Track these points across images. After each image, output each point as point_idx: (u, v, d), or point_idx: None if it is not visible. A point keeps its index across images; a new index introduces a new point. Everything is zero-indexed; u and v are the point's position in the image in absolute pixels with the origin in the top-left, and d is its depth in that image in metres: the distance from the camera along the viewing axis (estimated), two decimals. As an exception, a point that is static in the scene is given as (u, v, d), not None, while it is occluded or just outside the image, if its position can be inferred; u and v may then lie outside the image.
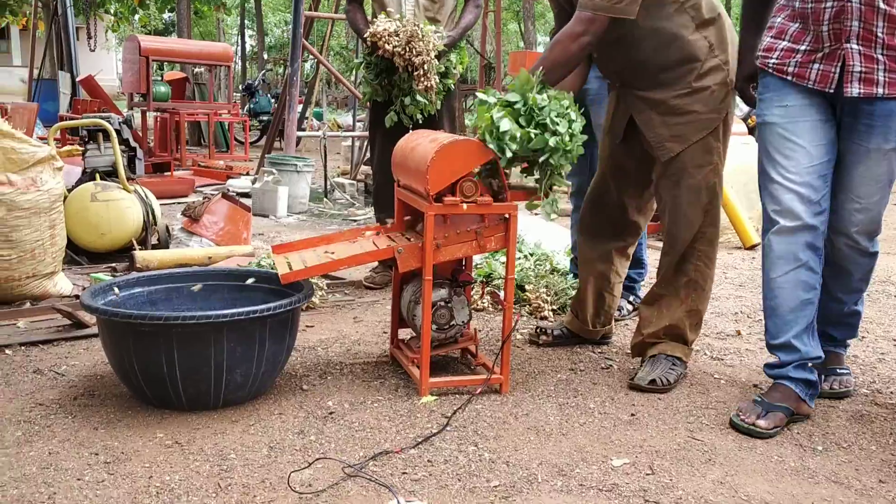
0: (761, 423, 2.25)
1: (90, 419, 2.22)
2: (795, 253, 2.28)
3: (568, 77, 2.52)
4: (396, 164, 2.71)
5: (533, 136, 2.27)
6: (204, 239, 4.46)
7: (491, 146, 2.31)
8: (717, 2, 2.56)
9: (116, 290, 2.53)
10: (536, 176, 2.37)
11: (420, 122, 3.61)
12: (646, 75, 2.54)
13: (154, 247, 4.24)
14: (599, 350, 3.00)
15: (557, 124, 2.27)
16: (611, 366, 2.83)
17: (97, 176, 4.22)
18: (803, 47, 2.24)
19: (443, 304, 2.55)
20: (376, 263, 3.75)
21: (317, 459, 1.98)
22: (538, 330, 3.06)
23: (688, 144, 2.52)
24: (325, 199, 6.94)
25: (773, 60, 2.30)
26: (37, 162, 3.35)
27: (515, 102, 2.32)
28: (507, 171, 2.42)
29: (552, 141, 2.28)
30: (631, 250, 2.96)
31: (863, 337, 3.21)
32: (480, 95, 2.39)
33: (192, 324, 2.19)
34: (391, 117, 3.63)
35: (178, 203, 6.01)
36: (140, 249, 4.11)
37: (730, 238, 5.26)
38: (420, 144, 2.54)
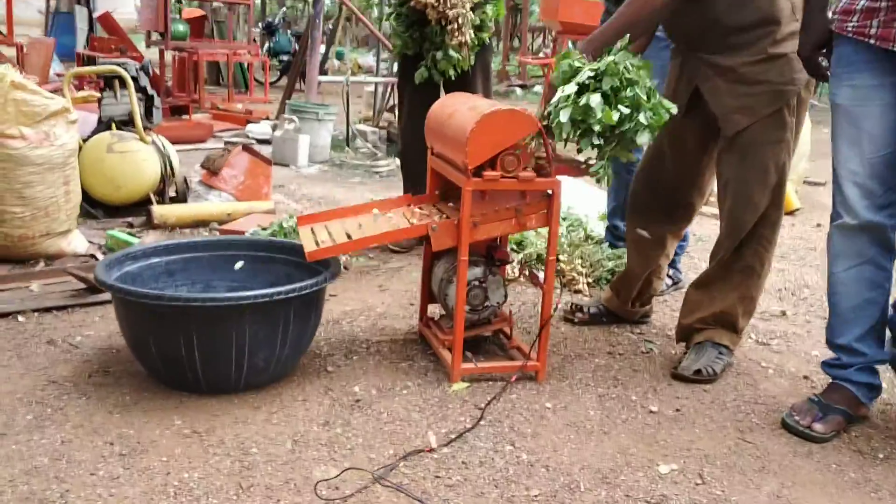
0: (818, 426, 2.10)
1: (105, 401, 2.11)
2: (859, 249, 2.09)
3: None
4: (431, 130, 2.53)
5: (623, 114, 2.05)
6: (223, 193, 4.29)
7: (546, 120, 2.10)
8: None
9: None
10: (599, 143, 2.14)
11: (452, 78, 3.39)
12: (716, 37, 2.29)
13: (172, 200, 4.10)
14: (638, 331, 2.84)
15: (643, 100, 2.04)
16: (651, 349, 2.68)
17: (113, 125, 4.05)
18: (885, 3, 1.96)
19: (477, 283, 2.39)
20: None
21: (345, 470, 1.83)
22: (573, 307, 2.90)
23: (757, 118, 2.29)
24: (346, 148, 6.74)
25: (852, 24, 2.03)
26: (50, 115, 3.17)
27: (599, 75, 2.08)
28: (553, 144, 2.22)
29: (642, 117, 2.06)
30: (683, 231, 2.76)
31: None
32: (563, 61, 2.16)
33: (211, 306, 2.05)
34: (421, 73, 3.41)
35: (196, 150, 5.83)
36: (158, 203, 3.97)
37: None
38: (458, 111, 2.35)
